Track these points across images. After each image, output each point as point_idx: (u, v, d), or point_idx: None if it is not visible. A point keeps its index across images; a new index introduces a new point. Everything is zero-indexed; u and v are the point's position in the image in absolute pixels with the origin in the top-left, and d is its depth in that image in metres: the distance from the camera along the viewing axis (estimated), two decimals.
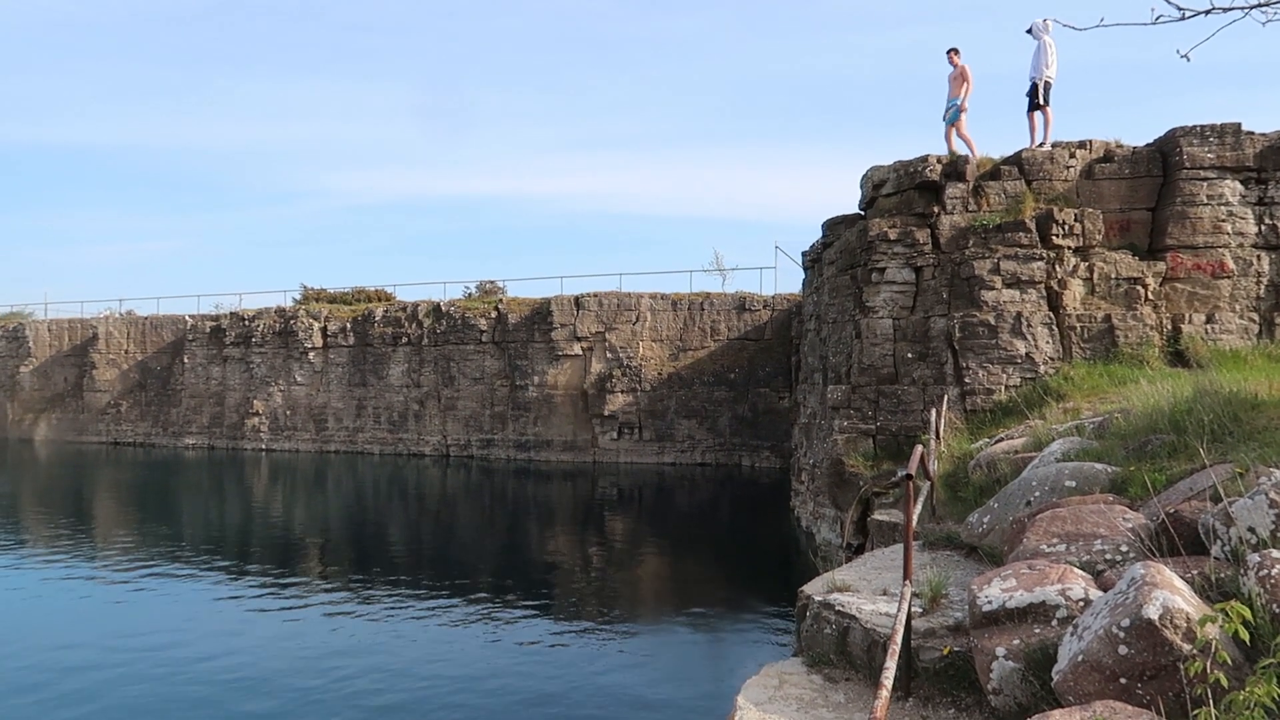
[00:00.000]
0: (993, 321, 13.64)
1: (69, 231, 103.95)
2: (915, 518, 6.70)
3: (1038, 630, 4.34)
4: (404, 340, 37.50)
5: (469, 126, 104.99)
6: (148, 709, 9.85)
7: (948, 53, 15.54)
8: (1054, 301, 13.83)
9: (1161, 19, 3.14)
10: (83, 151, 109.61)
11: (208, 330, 41.65)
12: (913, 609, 4.89)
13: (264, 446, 39.37)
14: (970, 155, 15.09)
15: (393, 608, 13.82)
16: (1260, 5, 3.08)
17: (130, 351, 44.21)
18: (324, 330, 39.05)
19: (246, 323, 40.49)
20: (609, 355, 34.06)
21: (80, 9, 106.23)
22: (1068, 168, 14.67)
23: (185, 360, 42.01)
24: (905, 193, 15.08)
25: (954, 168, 14.83)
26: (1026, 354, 13.52)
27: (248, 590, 14.91)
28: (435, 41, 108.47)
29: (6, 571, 16.25)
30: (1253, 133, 14.19)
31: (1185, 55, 3.22)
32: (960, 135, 15.51)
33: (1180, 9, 3.11)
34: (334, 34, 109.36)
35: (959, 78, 15.47)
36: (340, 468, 34.17)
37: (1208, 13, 3.22)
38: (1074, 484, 6.78)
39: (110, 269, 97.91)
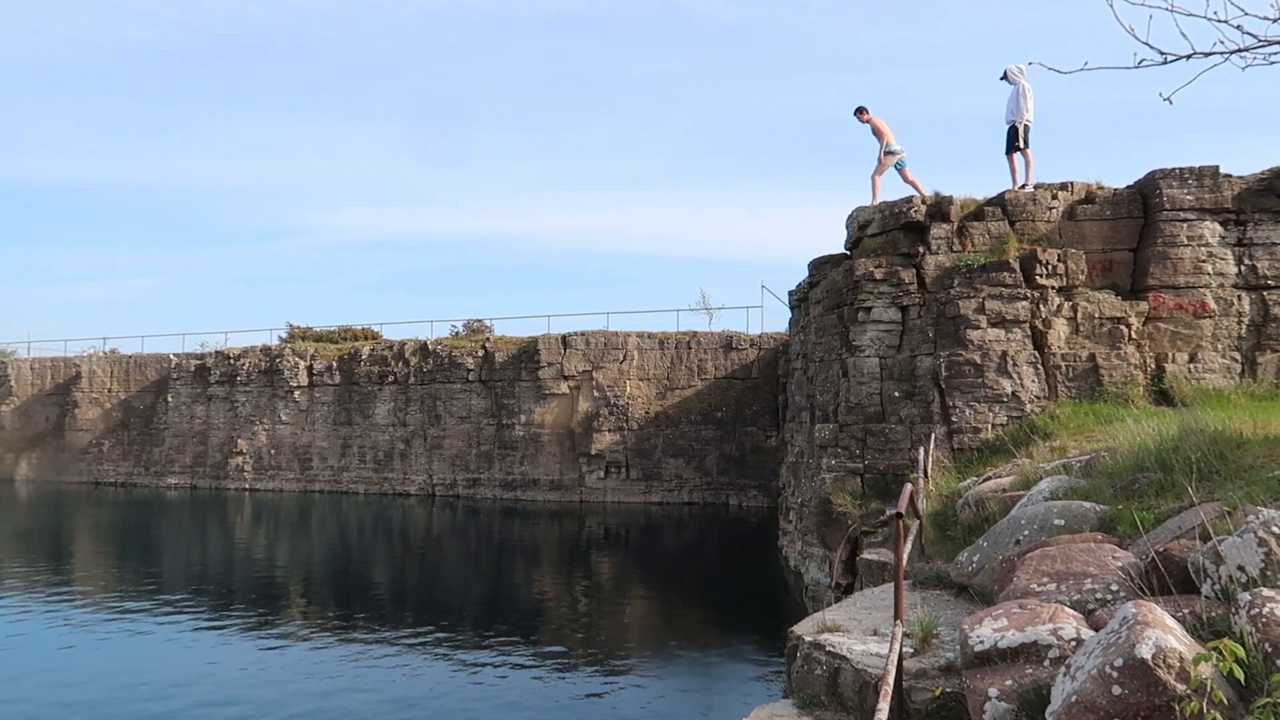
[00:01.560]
0: (979, 360, 13.71)
1: (53, 269, 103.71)
2: (905, 556, 6.68)
3: (1030, 670, 4.31)
4: (390, 379, 37.38)
5: (457, 165, 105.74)
6: None
7: (855, 113, 15.81)
8: (1039, 341, 13.93)
9: (1144, 63, 3.21)
10: (68, 188, 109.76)
11: (192, 369, 41.43)
12: (904, 649, 4.86)
13: (247, 486, 39.01)
14: (920, 195, 15.42)
15: (376, 647, 13.62)
16: (1240, 50, 3.15)
17: (113, 390, 43.89)
18: (310, 369, 38.90)
19: (232, 361, 40.31)
20: (596, 394, 34.02)
21: (66, 47, 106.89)
22: (1050, 209, 14.85)
23: (169, 399, 41.72)
24: (890, 233, 15.22)
25: (938, 208, 14.99)
26: (1013, 393, 13.58)
27: (230, 631, 14.68)
28: (423, 80, 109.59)
29: None
30: (1230, 175, 14.43)
31: (1168, 98, 3.30)
32: (907, 180, 15.85)
33: (1162, 53, 3.18)
34: (323, 72, 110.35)
35: (877, 132, 15.75)
36: (324, 507, 33.86)
37: (1189, 57, 3.29)
38: (1063, 522, 6.78)
39: (94, 307, 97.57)
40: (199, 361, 41.51)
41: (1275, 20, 3.07)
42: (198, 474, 40.61)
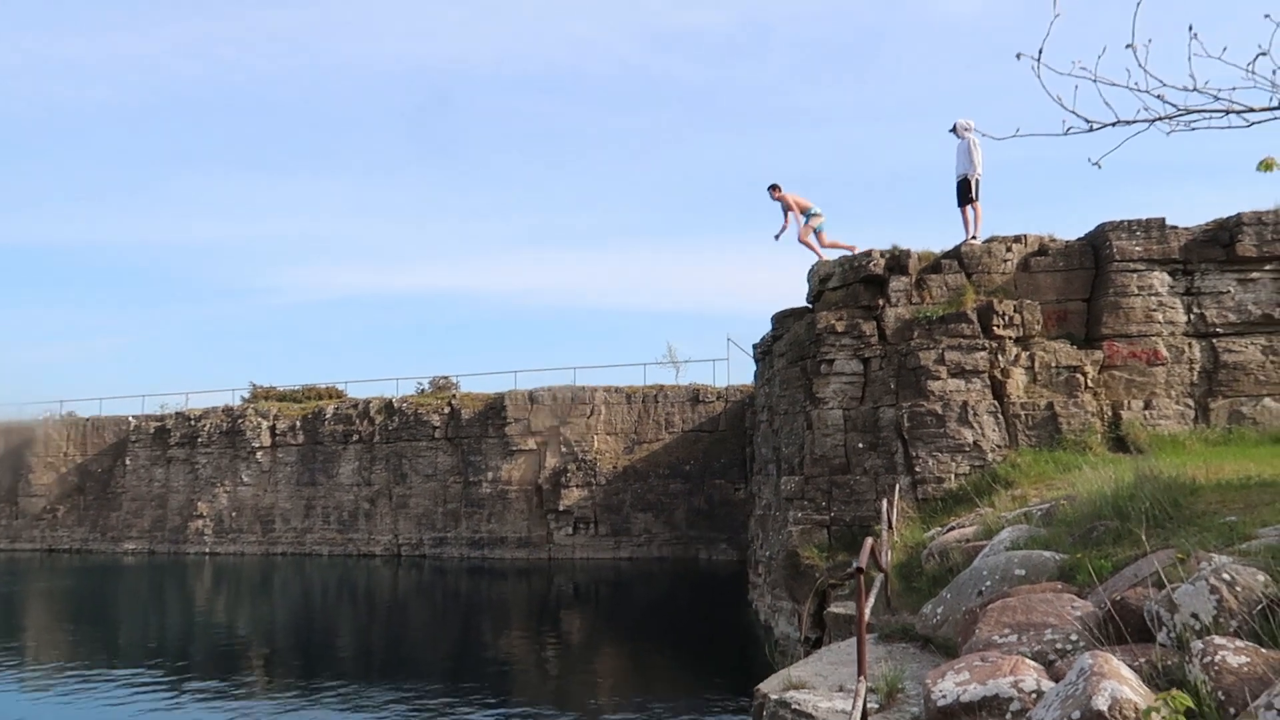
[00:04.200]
0: (940, 411, 13.88)
1: (7, 330, 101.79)
2: (869, 610, 6.69)
3: None
4: (355, 438, 36.97)
5: (422, 222, 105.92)
6: None
7: (768, 190, 16.46)
8: (998, 390, 14.14)
9: (1072, 130, 3.37)
10: (21, 250, 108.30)
11: (151, 431, 40.72)
12: (869, 705, 4.86)
13: (208, 550, 38.19)
14: (839, 254, 15.93)
15: (342, 713, 13.30)
16: (1160, 119, 3.32)
17: (69, 454, 42.97)
18: (273, 429, 38.39)
19: (192, 422, 39.69)
20: (564, 449, 33.88)
21: (20, 106, 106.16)
22: (1005, 261, 15.19)
23: (127, 462, 40.90)
24: (851, 286, 15.47)
25: (897, 262, 15.28)
26: (974, 442, 13.74)
27: (190, 701, 14.27)
28: (386, 140, 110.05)
29: None
30: (1176, 227, 14.86)
31: (1096, 163, 3.47)
32: (826, 245, 16.32)
33: (1088, 121, 3.34)
34: (282, 131, 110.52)
35: (788, 208, 16.37)
36: (287, 570, 33.21)
37: (1115, 124, 3.46)
38: (1023, 572, 6.85)
39: (51, 369, 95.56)
40: (159, 423, 40.81)
41: (1192, 90, 3.25)
42: (156, 539, 39.69)
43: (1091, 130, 3.35)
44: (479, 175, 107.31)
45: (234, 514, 38.45)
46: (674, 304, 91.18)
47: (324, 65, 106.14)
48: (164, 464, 40.18)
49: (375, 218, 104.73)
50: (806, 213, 16.29)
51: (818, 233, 16.36)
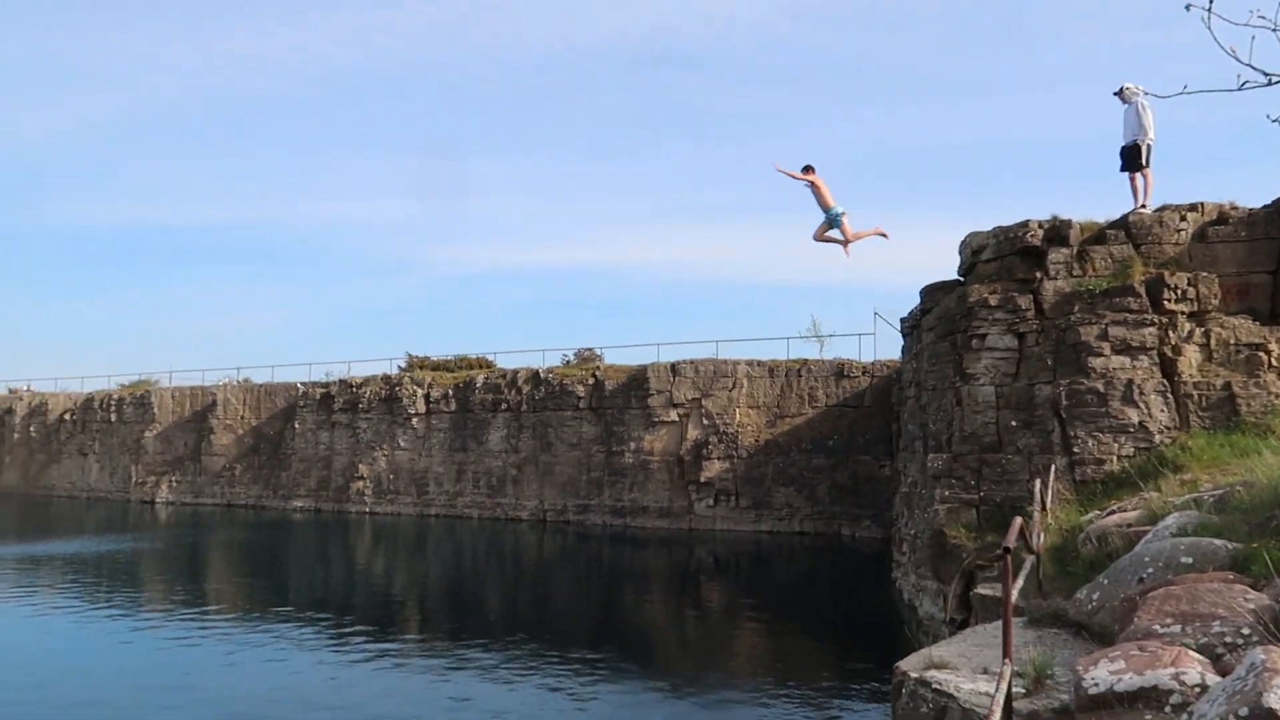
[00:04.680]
0: (1102, 389, 13.15)
1: (192, 304, 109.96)
2: (1018, 592, 6.45)
3: (1148, 716, 4.13)
4: (503, 406, 38.18)
5: (568, 198, 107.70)
6: None
7: (803, 170, 13.84)
8: (1168, 369, 13.27)
9: (1248, 84, 3.08)
10: (205, 230, 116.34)
11: (317, 397, 43.25)
12: (1015, 689, 4.70)
13: (368, 509, 40.37)
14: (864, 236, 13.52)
15: (487, 668, 13.87)
16: None
17: (245, 417, 46.17)
18: (427, 397, 40.10)
19: (354, 390, 41.92)
20: (705, 422, 33.96)
21: (191, 98, 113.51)
22: (1178, 231, 14.20)
23: (296, 426, 43.63)
24: (1005, 258, 14.81)
25: (1056, 232, 14.52)
26: (1140, 423, 12.97)
27: (349, 649, 15.19)
28: (535, 119, 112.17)
29: (123, 629, 16.98)
30: None
31: (1277, 120, 3.15)
32: (821, 238, 13.82)
33: (1266, 74, 3.05)
34: (432, 113, 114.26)
35: (817, 192, 13.78)
36: (440, 531, 34.74)
37: None
38: (1190, 560, 6.44)
39: (229, 339, 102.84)
40: (324, 390, 43.31)
41: None
42: (322, 497, 42.25)
43: (1270, 84, 3.06)
44: (623, 151, 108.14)
45: (391, 476, 40.47)
46: (818, 278, 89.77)
47: (470, 50, 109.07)
48: (329, 428, 42.65)
49: (522, 194, 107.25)
50: (829, 211, 13.87)
51: (839, 225, 14.00)
